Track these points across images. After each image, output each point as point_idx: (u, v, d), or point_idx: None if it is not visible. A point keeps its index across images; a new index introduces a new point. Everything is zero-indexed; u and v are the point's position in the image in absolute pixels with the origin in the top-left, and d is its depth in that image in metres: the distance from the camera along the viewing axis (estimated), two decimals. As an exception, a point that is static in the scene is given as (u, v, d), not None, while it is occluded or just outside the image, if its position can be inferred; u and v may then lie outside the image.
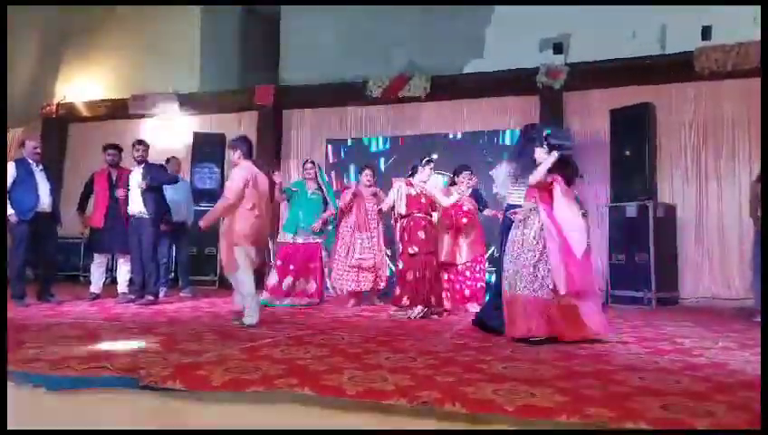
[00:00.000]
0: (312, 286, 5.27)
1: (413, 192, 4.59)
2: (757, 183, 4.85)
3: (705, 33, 6.38)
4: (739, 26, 6.23)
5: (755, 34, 6.13)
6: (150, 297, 5.05)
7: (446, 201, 4.67)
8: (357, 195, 5.36)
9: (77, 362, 2.30)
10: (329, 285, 5.58)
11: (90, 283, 5.51)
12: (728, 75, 6.30)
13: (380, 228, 5.43)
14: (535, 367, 2.35)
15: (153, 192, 5.19)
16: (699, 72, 6.33)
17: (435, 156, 4.96)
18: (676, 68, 6.46)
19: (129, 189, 5.22)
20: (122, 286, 5.37)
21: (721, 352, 2.92)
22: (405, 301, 4.44)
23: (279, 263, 5.31)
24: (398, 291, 4.51)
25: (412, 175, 4.65)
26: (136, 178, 5.19)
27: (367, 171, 5.47)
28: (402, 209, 4.58)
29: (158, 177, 5.27)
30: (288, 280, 5.22)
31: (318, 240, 5.38)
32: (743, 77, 6.23)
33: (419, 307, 4.39)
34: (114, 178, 5.40)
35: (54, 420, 2.02)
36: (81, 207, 5.57)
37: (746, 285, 5.73)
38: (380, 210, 5.22)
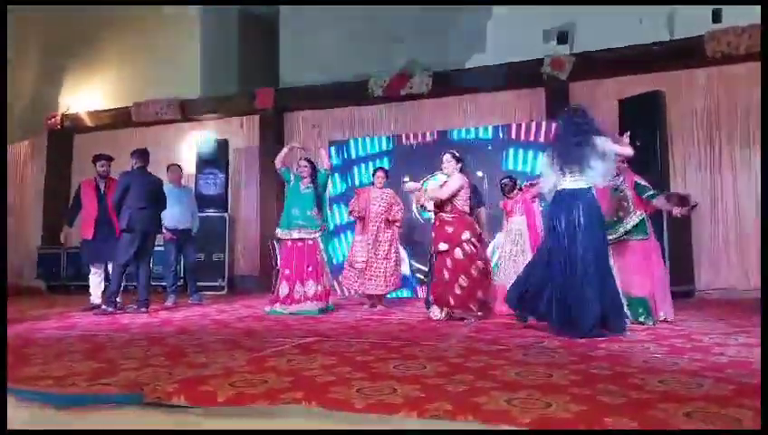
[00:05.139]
0: (318, 289, 4.97)
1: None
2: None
3: (716, 15, 6.21)
4: (751, 8, 6.05)
5: None
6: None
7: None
8: (358, 196, 5.38)
9: (82, 379, 2.26)
10: (330, 284, 5.24)
11: (90, 294, 5.47)
12: (741, 59, 6.14)
13: (390, 231, 5.28)
14: (550, 372, 2.27)
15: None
16: (711, 57, 6.18)
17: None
18: (686, 53, 6.31)
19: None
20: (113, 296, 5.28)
21: (742, 349, 2.81)
22: (432, 301, 4.38)
23: (287, 272, 4.99)
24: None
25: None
26: None
27: (379, 173, 5.44)
28: (430, 205, 4.52)
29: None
30: (297, 287, 4.93)
31: (314, 235, 5.01)
32: (756, 60, 6.06)
33: (438, 309, 4.31)
34: (103, 189, 5.39)
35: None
36: (70, 219, 5.53)
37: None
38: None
